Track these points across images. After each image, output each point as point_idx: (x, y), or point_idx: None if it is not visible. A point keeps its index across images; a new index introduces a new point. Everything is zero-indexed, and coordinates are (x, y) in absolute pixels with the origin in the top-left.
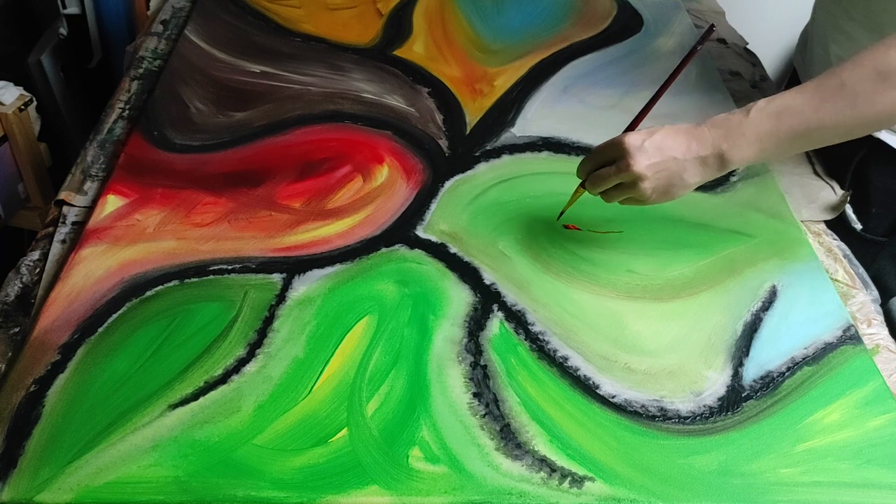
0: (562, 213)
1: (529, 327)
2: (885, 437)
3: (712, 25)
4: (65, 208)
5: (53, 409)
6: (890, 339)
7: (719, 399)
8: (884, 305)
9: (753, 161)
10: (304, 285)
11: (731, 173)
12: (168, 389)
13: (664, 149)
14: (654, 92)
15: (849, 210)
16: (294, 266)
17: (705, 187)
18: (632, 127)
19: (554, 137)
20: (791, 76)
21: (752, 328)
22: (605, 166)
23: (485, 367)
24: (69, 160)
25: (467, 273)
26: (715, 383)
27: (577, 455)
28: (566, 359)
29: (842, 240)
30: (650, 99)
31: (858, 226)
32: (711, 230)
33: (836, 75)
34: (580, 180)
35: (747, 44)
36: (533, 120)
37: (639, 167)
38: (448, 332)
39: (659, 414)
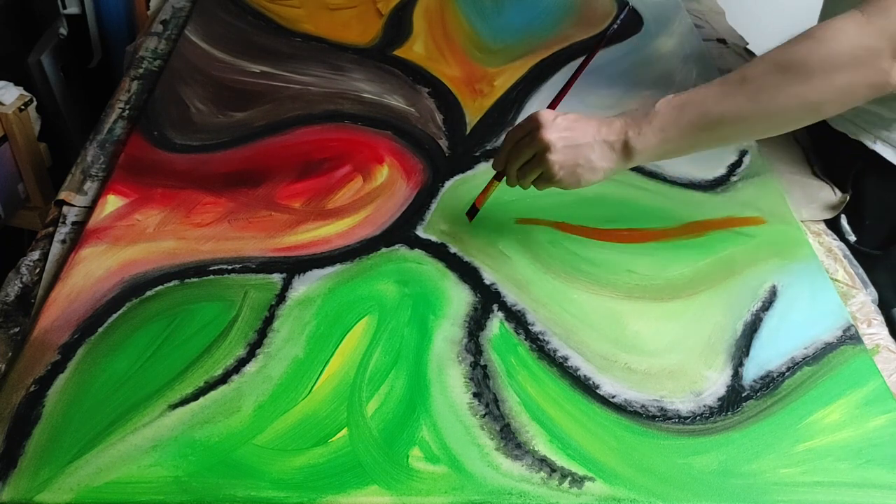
0: (476, 208)
1: (529, 327)
2: (885, 437)
3: (627, 5)
4: (65, 208)
5: (53, 409)
6: (890, 339)
7: (719, 399)
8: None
9: (657, 152)
10: (304, 285)
11: (731, 173)
12: (168, 389)
13: (575, 128)
14: (573, 73)
15: (843, 221)
16: (294, 266)
17: (705, 187)
18: (551, 107)
19: None
20: None
21: (752, 328)
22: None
23: (485, 367)
24: (69, 160)
25: (467, 273)
26: (715, 383)
27: (577, 455)
28: (566, 359)
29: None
30: (568, 80)
31: (853, 237)
32: (711, 230)
33: (740, 71)
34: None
35: (747, 44)
36: None
37: (548, 136)
38: (448, 332)
39: (659, 414)
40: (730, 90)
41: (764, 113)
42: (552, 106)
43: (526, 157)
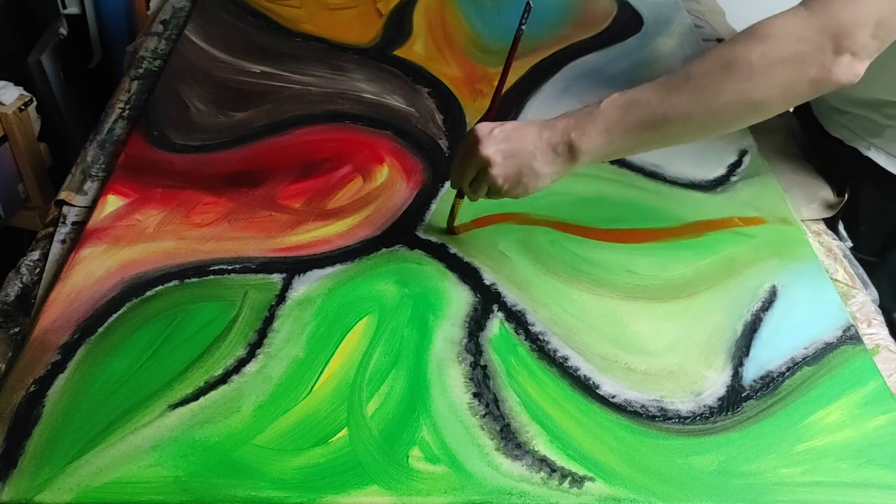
0: (454, 230)
1: (529, 327)
2: (885, 437)
3: (529, 3)
4: (65, 208)
5: (53, 409)
6: (890, 339)
7: (719, 399)
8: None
9: (603, 152)
10: (304, 285)
11: (731, 173)
12: (168, 389)
13: (513, 137)
14: (498, 82)
15: (840, 227)
16: (294, 266)
17: (705, 187)
18: (487, 117)
19: None
20: None
21: (751, 328)
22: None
23: (485, 367)
24: (69, 160)
25: (467, 273)
26: (715, 383)
27: (577, 455)
28: (566, 359)
29: None
30: (496, 89)
31: (849, 243)
32: (711, 230)
33: (684, 69)
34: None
35: None
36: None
37: (486, 151)
38: (448, 332)
39: (659, 414)
40: (674, 88)
41: (707, 111)
42: (488, 115)
43: (472, 174)
